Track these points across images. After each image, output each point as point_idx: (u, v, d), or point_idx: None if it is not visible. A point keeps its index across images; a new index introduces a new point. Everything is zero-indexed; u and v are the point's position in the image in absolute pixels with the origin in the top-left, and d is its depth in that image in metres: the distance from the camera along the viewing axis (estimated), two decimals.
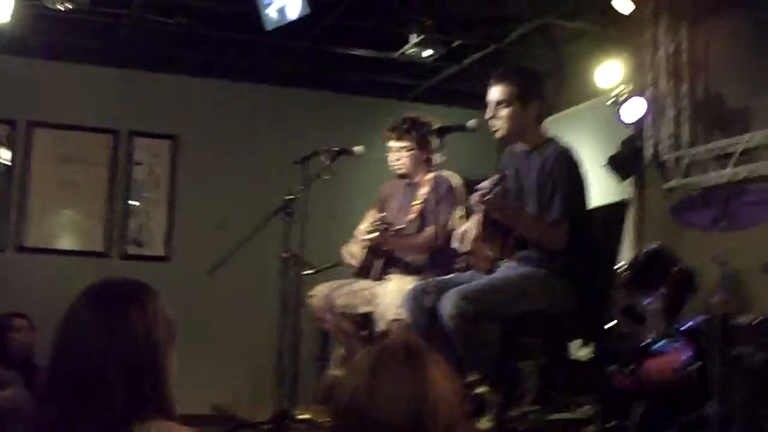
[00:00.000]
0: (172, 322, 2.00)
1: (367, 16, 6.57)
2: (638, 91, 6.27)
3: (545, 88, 4.49)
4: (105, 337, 1.87)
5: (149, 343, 1.91)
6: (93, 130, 7.43)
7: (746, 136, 5.68)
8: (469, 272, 4.32)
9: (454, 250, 4.89)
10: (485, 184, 4.18)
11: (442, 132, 4.33)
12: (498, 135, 4.31)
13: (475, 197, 4.19)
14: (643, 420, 4.64)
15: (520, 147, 4.36)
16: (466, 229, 4.30)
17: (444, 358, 3.80)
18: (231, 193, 7.46)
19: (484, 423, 4.01)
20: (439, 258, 4.89)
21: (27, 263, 7.07)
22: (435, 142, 4.71)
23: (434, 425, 1.69)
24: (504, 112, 4.24)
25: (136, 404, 1.86)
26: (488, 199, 4.09)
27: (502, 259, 4.25)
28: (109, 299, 1.95)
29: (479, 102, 4.40)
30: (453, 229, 4.99)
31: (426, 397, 1.71)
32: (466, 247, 4.24)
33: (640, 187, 6.56)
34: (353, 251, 5.26)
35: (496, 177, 4.22)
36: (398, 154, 5.23)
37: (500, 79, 4.27)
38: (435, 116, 5.30)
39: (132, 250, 7.42)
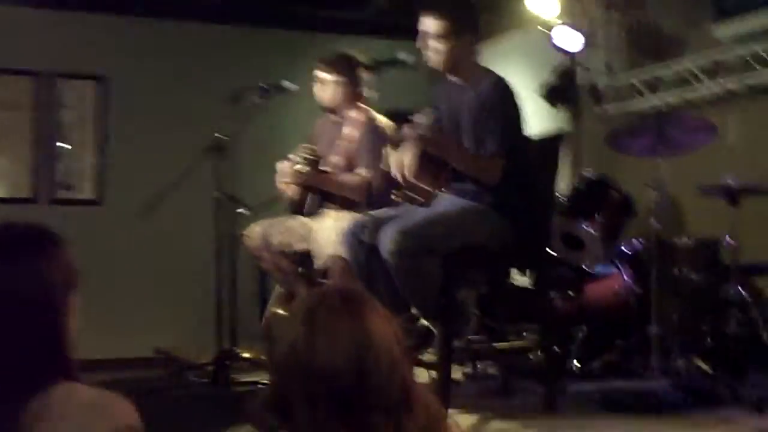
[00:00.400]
0: (73, 270, 1.85)
1: None
2: (572, 19, 6.23)
3: (479, 18, 4.39)
4: None
5: (43, 294, 1.77)
6: (15, 72, 7.19)
7: (680, 62, 5.69)
8: (404, 206, 4.26)
9: (389, 188, 4.85)
10: (419, 117, 4.11)
11: (376, 66, 4.22)
12: (431, 65, 4.23)
13: (407, 130, 4.12)
14: (584, 344, 4.71)
15: (454, 80, 4.28)
16: (402, 159, 4.21)
17: (383, 295, 3.86)
18: (161, 133, 7.29)
19: (428, 356, 4.00)
20: (376, 197, 4.83)
21: None
22: (366, 76, 4.61)
23: (376, 370, 1.68)
24: (436, 45, 4.15)
25: (30, 368, 1.72)
26: (422, 134, 4.03)
27: (438, 192, 4.20)
28: (2, 245, 1.80)
29: (410, 34, 4.29)
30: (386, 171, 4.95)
31: (365, 343, 1.69)
32: (403, 175, 4.16)
33: (575, 114, 6.56)
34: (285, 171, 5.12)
35: (429, 111, 4.15)
36: (326, 87, 5.12)
37: (432, 11, 4.17)
38: (365, 49, 5.21)
39: (61, 194, 7.24)
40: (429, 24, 4.16)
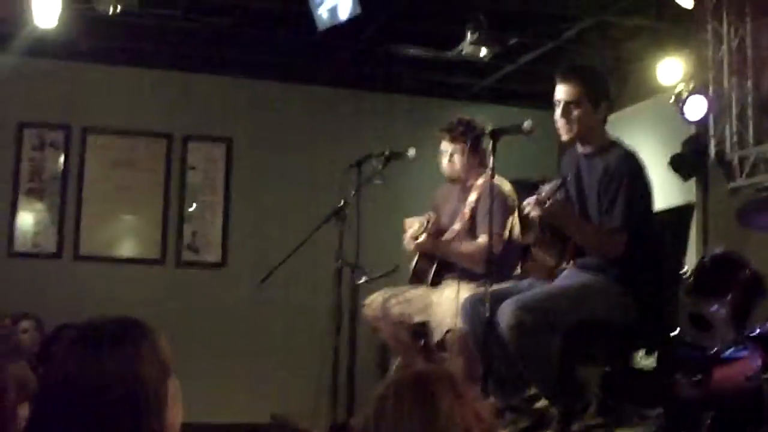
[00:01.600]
0: (166, 360, 1.86)
1: (421, 15, 6.47)
2: (700, 89, 6.09)
3: (611, 88, 4.33)
4: (87, 386, 1.76)
5: (134, 392, 1.78)
6: (147, 134, 7.42)
7: None
8: (527, 280, 4.20)
9: (511, 258, 4.77)
10: (545, 188, 4.04)
11: (496, 134, 4.18)
12: (566, 137, 4.15)
13: (531, 201, 4.05)
14: (711, 431, 4.50)
15: (581, 149, 4.21)
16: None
17: (500, 371, 3.78)
18: (285, 196, 7.40)
19: None
20: (495, 265, 4.75)
21: (84, 271, 7.07)
22: (488, 144, 4.57)
23: None
24: (575, 112, 4.09)
25: None
26: (547, 206, 3.95)
27: (561, 266, 4.12)
28: (91, 342, 1.82)
29: (535, 101, 4.28)
30: (508, 238, 4.88)
31: (433, 428, 1.70)
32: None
33: (704, 187, 6.38)
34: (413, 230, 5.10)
35: (556, 182, 4.07)
36: (451, 157, 5.10)
37: (568, 78, 4.11)
38: (490, 116, 5.17)
39: (187, 256, 7.39)
40: (565, 91, 4.10)
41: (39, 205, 7.24)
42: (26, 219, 7.24)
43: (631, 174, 4.01)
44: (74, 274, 6.99)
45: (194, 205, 7.45)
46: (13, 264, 7.14)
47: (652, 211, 4.17)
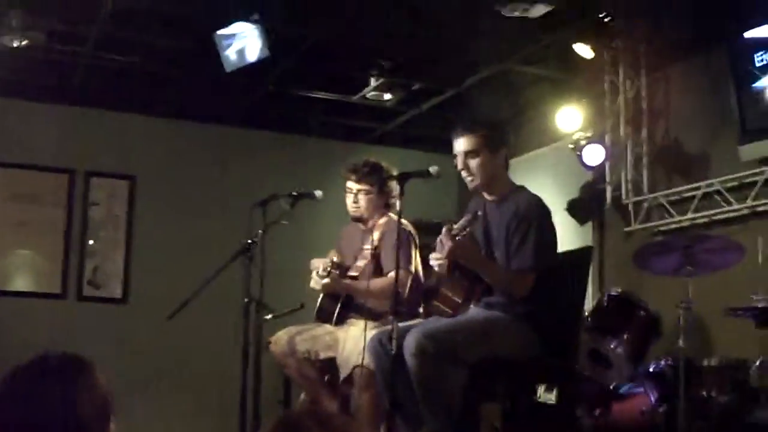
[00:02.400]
0: (108, 398, 1.87)
1: (327, 59, 6.56)
2: (597, 137, 6.32)
3: (508, 135, 4.51)
4: (26, 420, 1.76)
5: (72, 424, 1.78)
6: (49, 169, 7.32)
7: (704, 182, 5.74)
8: (433, 317, 4.28)
9: (417, 296, 4.85)
10: (460, 223, 4.16)
11: (403, 177, 4.28)
12: (473, 185, 4.31)
13: (444, 234, 4.15)
14: None
15: (488, 197, 4.35)
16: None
17: (406, 406, 3.83)
18: (190, 234, 7.38)
19: None
20: (401, 303, 4.82)
21: None
22: (394, 187, 4.67)
23: None
24: (474, 162, 4.25)
25: None
26: (459, 239, 4.06)
27: (467, 305, 4.22)
28: (33, 378, 1.82)
29: (438, 145, 4.40)
30: (413, 275, 4.97)
31: None
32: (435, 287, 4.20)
33: (601, 231, 6.60)
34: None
35: (467, 216, 4.21)
36: (356, 197, 5.19)
37: (466, 130, 4.29)
38: (395, 159, 5.30)
39: (88, 291, 7.29)
40: (464, 143, 4.27)
41: None
42: None
43: (540, 217, 4.18)
44: None
45: (93, 241, 7.36)
46: None
47: (557, 253, 4.32)
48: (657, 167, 6.26)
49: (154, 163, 7.52)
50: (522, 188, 4.40)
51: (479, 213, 4.29)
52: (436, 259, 4.17)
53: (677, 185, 6.03)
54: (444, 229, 4.14)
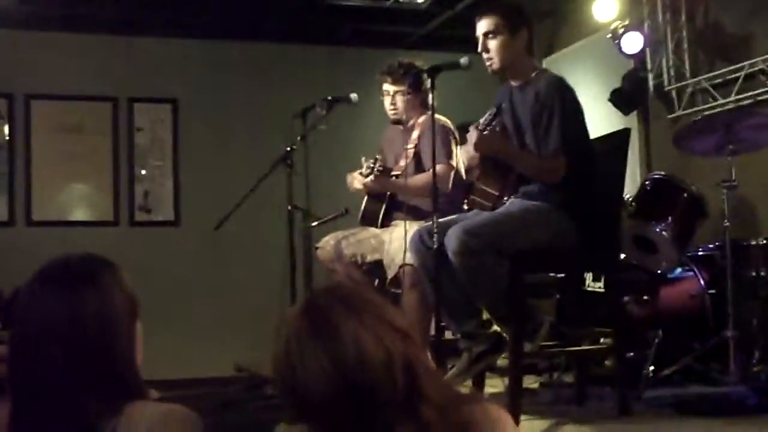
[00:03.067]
0: (133, 298, 1.89)
1: None
2: (635, 24, 6.20)
3: (530, 17, 4.41)
4: (53, 321, 1.78)
5: (104, 322, 1.81)
6: (92, 98, 7.39)
7: (747, 63, 5.62)
8: (473, 211, 4.27)
9: (459, 192, 4.85)
10: (485, 117, 4.15)
11: (433, 71, 4.25)
12: (492, 67, 4.23)
13: (473, 134, 4.15)
14: (660, 349, 4.62)
15: (513, 82, 4.30)
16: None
17: (453, 299, 3.87)
18: (234, 152, 7.43)
19: (502, 360, 4.00)
20: (443, 200, 4.82)
21: (37, 237, 7.04)
22: (428, 83, 4.65)
23: (366, 373, 1.54)
24: (493, 43, 4.18)
25: (102, 390, 1.76)
26: (483, 134, 4.05)
27: (505, 197, 4.21)
28: (57, 279, 1.85)
29: (474, 46, 4.33)
30: (454, 169, 4.97)
31: (342, 356, 1.54)
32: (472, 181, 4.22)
33: (645, 119, 6.52)
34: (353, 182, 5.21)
35: (491, 111, 4.18)
36: (393, 98, 5.20)
37: (485, 12, 4.22)
38: (431, 61, 5.23)
39: (140, 216, 7.41)
40: (482, 24, 4.21)
41: None
42: None
43: (561, 97, 4.09)
44: (28, 241, 6.97)
45: (140, 167, 7.46)
46: None
47: (586, 134, 4.26)
48: (698, 51, 6.13)
49: (194, 85, 7.55)
50: (544, 71, 4.33)
51: (503, 105, 4.25)
52: (465, 154, 4.17)
53: (719, 68, 5.90)
54: (471, 127, 4.14)
